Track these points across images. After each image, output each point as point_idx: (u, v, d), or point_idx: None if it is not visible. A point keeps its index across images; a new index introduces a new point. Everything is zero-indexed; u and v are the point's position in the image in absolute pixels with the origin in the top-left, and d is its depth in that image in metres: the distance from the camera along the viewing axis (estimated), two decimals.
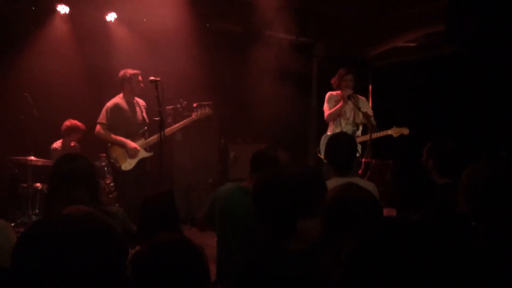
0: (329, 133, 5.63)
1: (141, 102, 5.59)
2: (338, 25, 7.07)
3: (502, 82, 5.97)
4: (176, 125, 5.74)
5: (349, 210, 1.74)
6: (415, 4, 6.28)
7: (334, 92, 5.65)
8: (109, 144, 5.40)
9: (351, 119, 5.57)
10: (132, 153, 5.35)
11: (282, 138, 7.05)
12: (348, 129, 5.53)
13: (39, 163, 5.82)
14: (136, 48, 6.61)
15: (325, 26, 7.21)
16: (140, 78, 5.43)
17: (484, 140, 5.90)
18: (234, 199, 2.89)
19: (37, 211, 5.73)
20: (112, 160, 5.40)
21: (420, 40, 7.21)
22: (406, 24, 6.85)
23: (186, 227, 5.96)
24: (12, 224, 5.33)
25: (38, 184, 5.81)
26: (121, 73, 5.42)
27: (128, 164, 5.36)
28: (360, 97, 5.58)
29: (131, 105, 5.48)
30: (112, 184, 5.99)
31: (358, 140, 5.47)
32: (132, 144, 5.36)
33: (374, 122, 5.09)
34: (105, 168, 6.12)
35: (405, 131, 5.43)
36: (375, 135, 5.17)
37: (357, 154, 4.88)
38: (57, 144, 6.26)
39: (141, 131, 5.49)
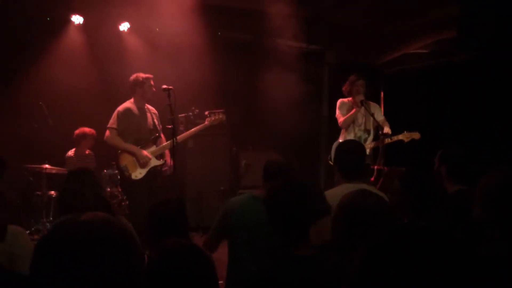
0: (340, 140, 5.63)
1: (152, 109, 5.46)
2: (349, 32, 7.07)
3: None
4: (190, 131, 5.60)
5: (362, 215, 1.75)
6: (426, 11, 6.27)
7: (345, 99, 5.65)
8: (119, 151, 5.24)
9: (363, 125, 5.57)
10: (143, 162, 5.16)
11: (293, 146, 7.06)
12: (361, 135, 5.53)
13: (54, 171, 5.90)
14: (149, 57, 6.67)
15: (336, 33, 7.21)
16: (152, 82, 5.30)
17: (495, 147, 5.86)
18: (248, 207, 2.94)
19: (51, 218, 5.78)
20: (121, 169, 5.21)
21: (431, 46, 7.19)
22: (417, 31, 6.84)
23: (197, 234, 5.97)
24: (27, 232, 5.38)
25: (53, 192, 5.86)
26: (133, 77, 5.29)
27: (138, 173, 5.17)
28: (372, 103, 5.59)
29: (142, 110, 5.33)
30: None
31: (370, 146, 5.47)
32: (143, 152, 5.18)
33: (389, 131, 5.11)
34: (118, 176, 6.11)
35: (416, 135, 5.39)
36: (387, 140, 5.17)
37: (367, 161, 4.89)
38: (72, 152, 6.27)
39: (152, 138, 5.33)
